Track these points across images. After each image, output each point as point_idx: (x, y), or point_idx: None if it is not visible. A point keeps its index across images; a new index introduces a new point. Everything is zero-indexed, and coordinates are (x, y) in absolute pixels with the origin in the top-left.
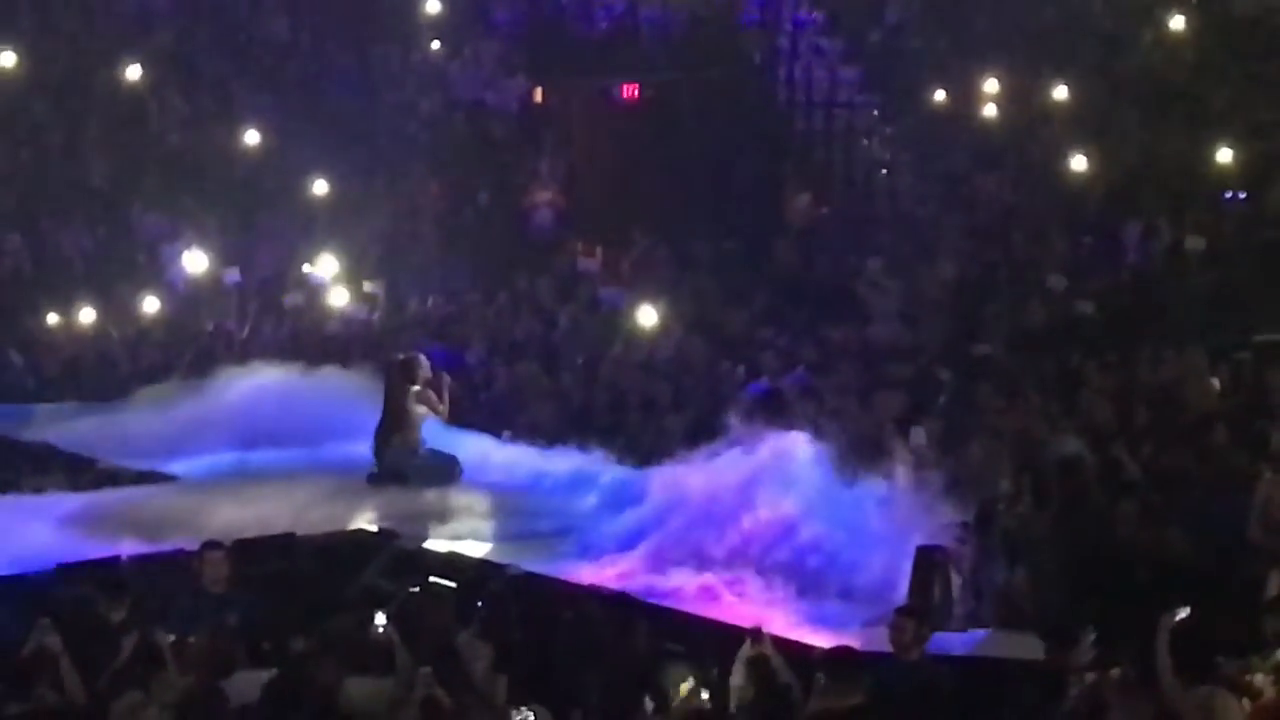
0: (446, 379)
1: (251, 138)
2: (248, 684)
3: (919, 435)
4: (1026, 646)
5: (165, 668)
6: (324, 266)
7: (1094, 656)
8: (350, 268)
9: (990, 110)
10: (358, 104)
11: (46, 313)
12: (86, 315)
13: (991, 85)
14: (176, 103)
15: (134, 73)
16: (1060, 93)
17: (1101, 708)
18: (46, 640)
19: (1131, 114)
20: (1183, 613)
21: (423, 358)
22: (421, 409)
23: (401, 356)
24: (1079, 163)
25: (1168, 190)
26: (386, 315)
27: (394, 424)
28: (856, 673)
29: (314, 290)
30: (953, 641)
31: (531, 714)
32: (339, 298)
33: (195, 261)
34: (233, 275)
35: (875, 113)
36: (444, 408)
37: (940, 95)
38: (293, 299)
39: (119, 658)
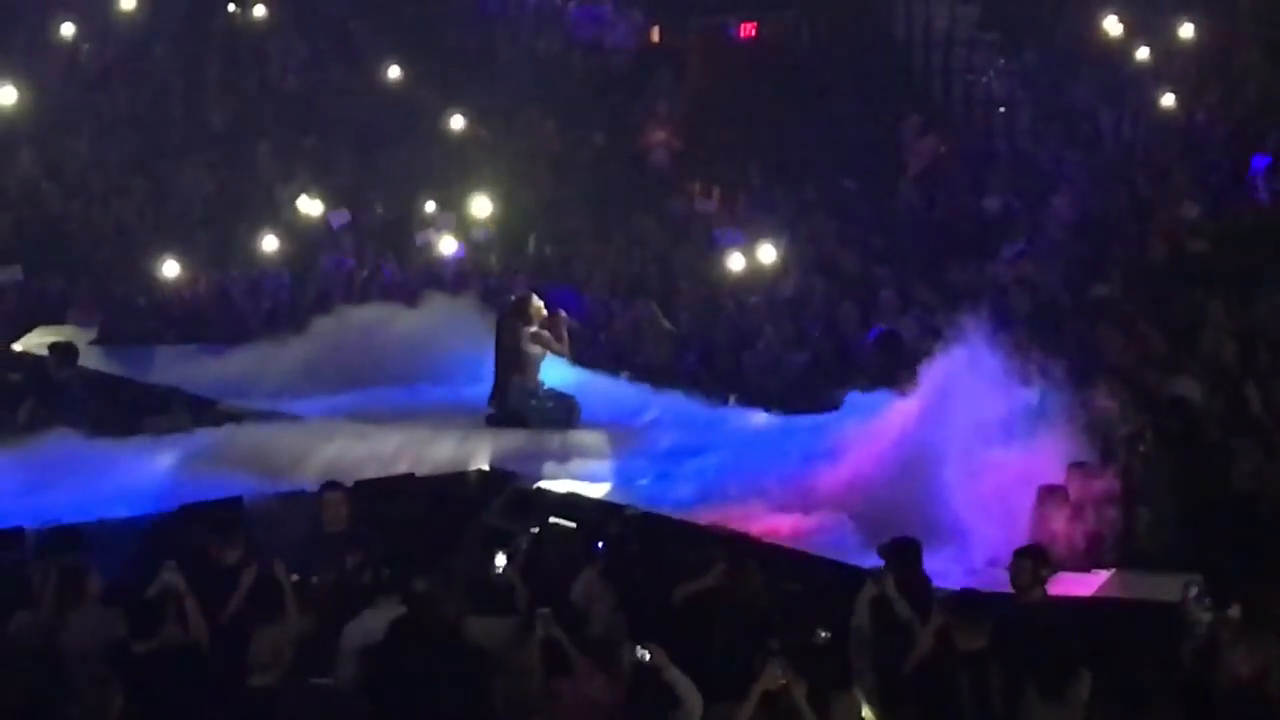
0: (565, 318)
1: (370, 79)
2: (373, 622)
3: (1053, 374)
4: (1149, 587)
5: (286, 605)
6: (443, 208)
7: (1212, 597)
8: (469, 208)
9: (1111, 47)
10: (475, 44)
11: (168, 255)
12: (207, 257)
13: (1112, 22)
14: (296, 44)
15: (252, 13)
16: (1183, 30)
17: (1222, 646)
18: (171, 580)
19: (1253, 49)
20: None
21: (536, 297)
22: (537, 349)
23: (515, 296)
24: (1200, 100)
25: None
26: (504, 255)
27: (511, 365)
28: (982, 616)
29: (439, 231)
30: (1079, 582)
31: (647, 652)
32: (458, 238)
33: (312, 206)
34: (341, 216)
35: (994, 50)
36: (564, 347)
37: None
38: (423, 238)
39: (236, 594)
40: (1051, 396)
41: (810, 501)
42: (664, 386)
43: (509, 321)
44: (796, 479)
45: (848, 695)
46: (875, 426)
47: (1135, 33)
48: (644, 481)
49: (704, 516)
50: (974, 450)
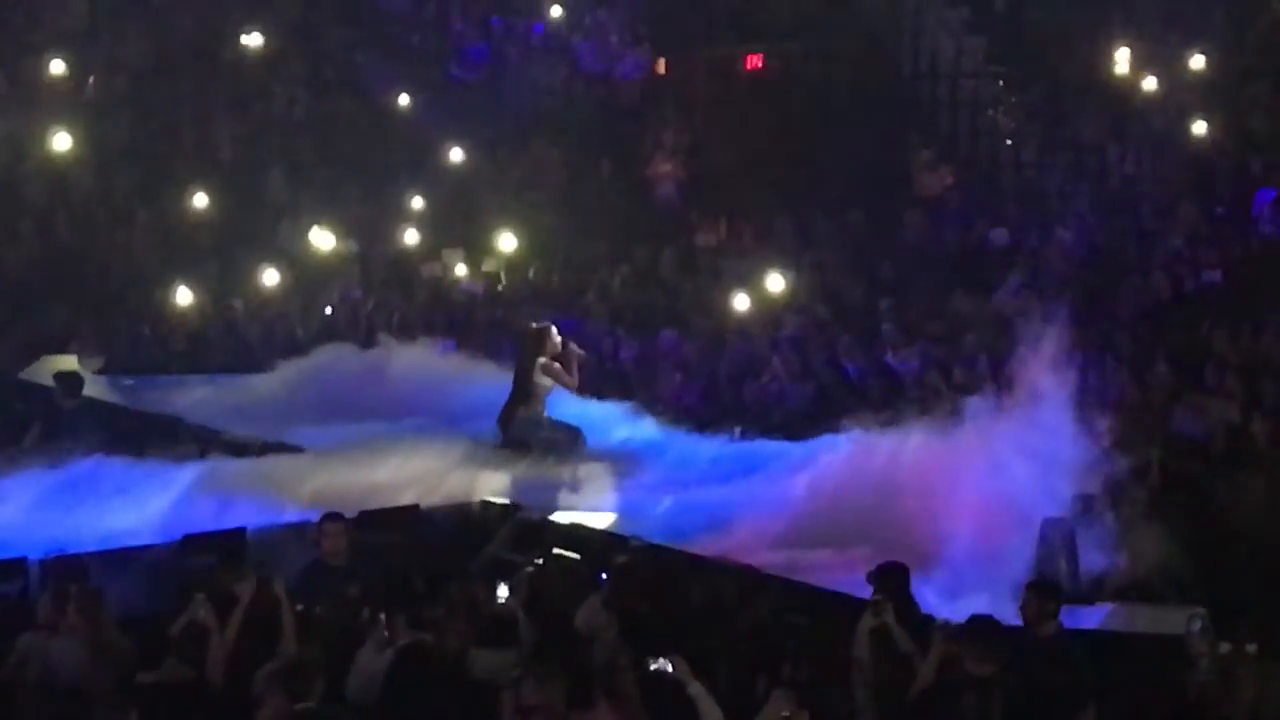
0: (576, 351)
1: (374, 110)
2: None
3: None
4: (1153, 619)
5: (282, 622)
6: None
7: (1216, 630)
8: (475, 240)
9: (1117, 80)
10: (481, 75)
11: (175, 285)
12: (213, 288)
13: (1119, 55)
14: (301, 74)
15: (258, 44)
16: (1190, 62)
17: (1233, 680)
18: (200, 615)
19: (1261, 83)
20: None
21: (554, 329)
22: (548, 381)
23: (535, 326)
24: (1208, 132)
25: None
26: (510, 286)
27: (520, 394)
28: (994, 641)
29: (447, 263)
30: (1083, 615)
31: (669, 664)
32: (464, 270)
33: (320, 237)
34: (354, 247)
35: (1001, 83)
36: (574, 380)
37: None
38: (430, 269)
39: (235, 610)
40: (1057, 430)
41: (814, 535)
42: (669, 418)
43: (525, 352)
44: (800, 512)
45: None
46: (880, 460)
47: (1142, 66)
48: (649, 513)
49: (710, 548)
50: (979, 483)
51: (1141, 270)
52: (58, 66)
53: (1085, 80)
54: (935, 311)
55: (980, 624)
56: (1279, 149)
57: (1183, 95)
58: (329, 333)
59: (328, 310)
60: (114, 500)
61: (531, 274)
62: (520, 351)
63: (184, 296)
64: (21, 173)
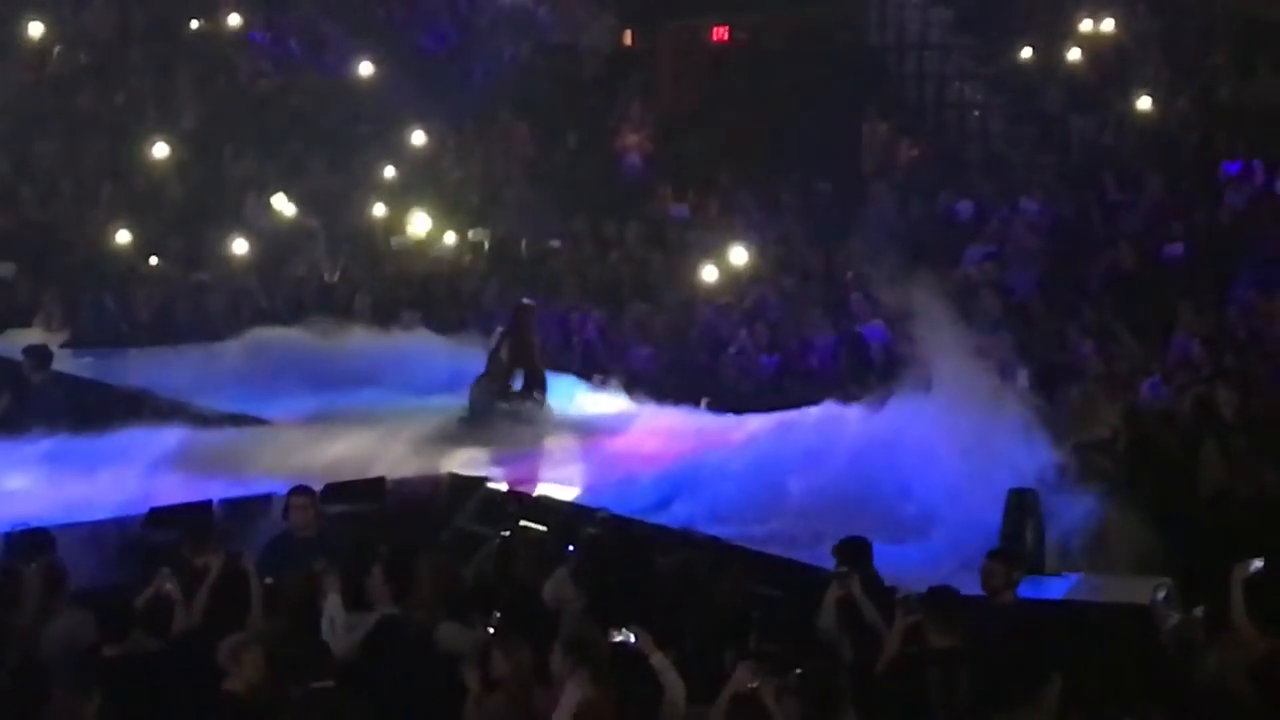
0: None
1: (340, 83)
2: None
3: (1023, 378)
4: (1119, 589)
5: (250, 598)
6: (417, 213)
7: (1181, 599)
8: (442, 212)
9: (1082, 52)
10: (446, 47)
11: (139, 258)
12: (179, 260)
13: (1083, 26)
14: (267, 48)
15: (223, 16)
16: (1153, 33)
17: (1191, 648)
18: (166, 587)
19: (1223, 54)
20: (1257, 563)
21: (532, 309)
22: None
23: (516, 306)
24: (1171, 104)
25: (1261, 130)
26: (476, 259)
27: (490, 370)
28: (956, 612)
29: (414, 236)
30: (1046, 585)
31: (632, 635)
32: (433, 243)
33: (283, 206)
34: (314, 220)
35: (967, 54)
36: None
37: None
38: (399, 242)
39: (203, 586)
40: (1022, 401)
41: (783, 507)
42: (637, 390)
43: (521, 329)
44: (769, 484)
45: None
46: (849, 431)
47: (1104, 37)
48: (617, 485)
49: (678, 520)
50: (946, 454)
51: (1108, 242)
52: (22, 37)
53: (1050, 51)
54: (901, 283)
55: (940, 595)
56: (1243, 120)
57: (1145, 68)
58: (295, 305)
59: (295, 280)
60: (81, 473)
61: (503, 248)
62: (516, 328)
63: (149, 268)
64: None
